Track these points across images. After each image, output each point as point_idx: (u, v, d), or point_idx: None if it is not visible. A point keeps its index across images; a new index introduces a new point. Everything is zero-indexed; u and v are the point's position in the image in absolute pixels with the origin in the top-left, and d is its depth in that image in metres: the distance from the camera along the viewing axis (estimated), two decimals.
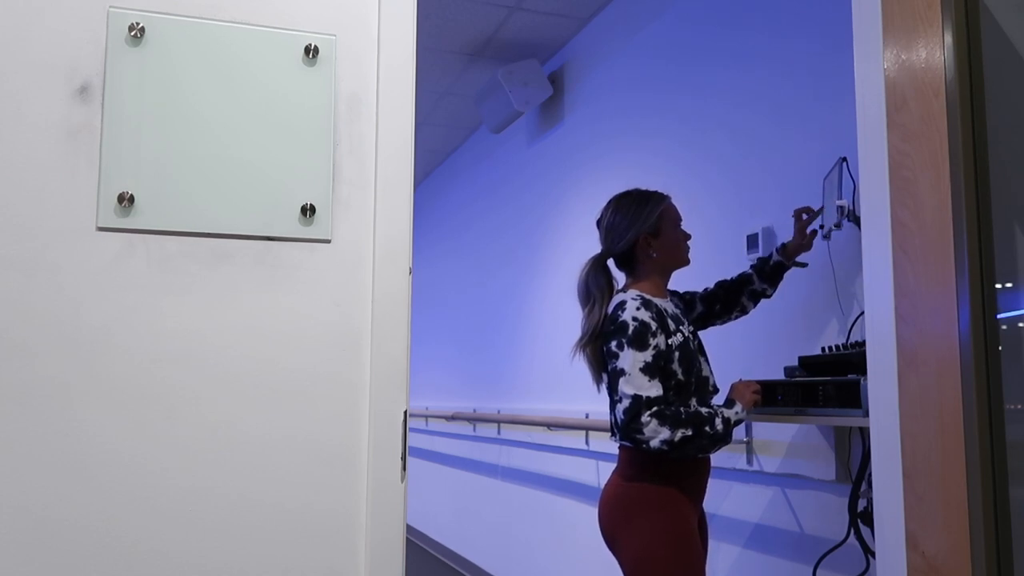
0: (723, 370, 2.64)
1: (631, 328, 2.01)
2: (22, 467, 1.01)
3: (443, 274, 6.16)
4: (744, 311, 2.41)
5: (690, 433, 1.96)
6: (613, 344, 2.04)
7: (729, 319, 2.41)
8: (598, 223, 2.26)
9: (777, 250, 2.34)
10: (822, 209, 2.30)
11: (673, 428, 1.96)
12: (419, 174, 6.56)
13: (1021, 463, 1.34)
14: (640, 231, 2.16)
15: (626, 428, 1.98)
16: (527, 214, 4.61)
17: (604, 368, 2.10)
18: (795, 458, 2.49)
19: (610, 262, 2.23)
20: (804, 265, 2.36)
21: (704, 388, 2.14)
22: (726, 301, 2.37)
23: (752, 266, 2.38)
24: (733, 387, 2.15)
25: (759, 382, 2.19)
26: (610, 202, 2.24)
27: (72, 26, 1.08)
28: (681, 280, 2.35)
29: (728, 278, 2.41)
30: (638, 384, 1.98)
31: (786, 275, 2.38)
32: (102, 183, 1.06)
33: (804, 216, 2.32)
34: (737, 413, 2.05)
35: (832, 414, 1.99)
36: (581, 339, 2.14)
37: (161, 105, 1.10)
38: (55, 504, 1.01)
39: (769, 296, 2.39)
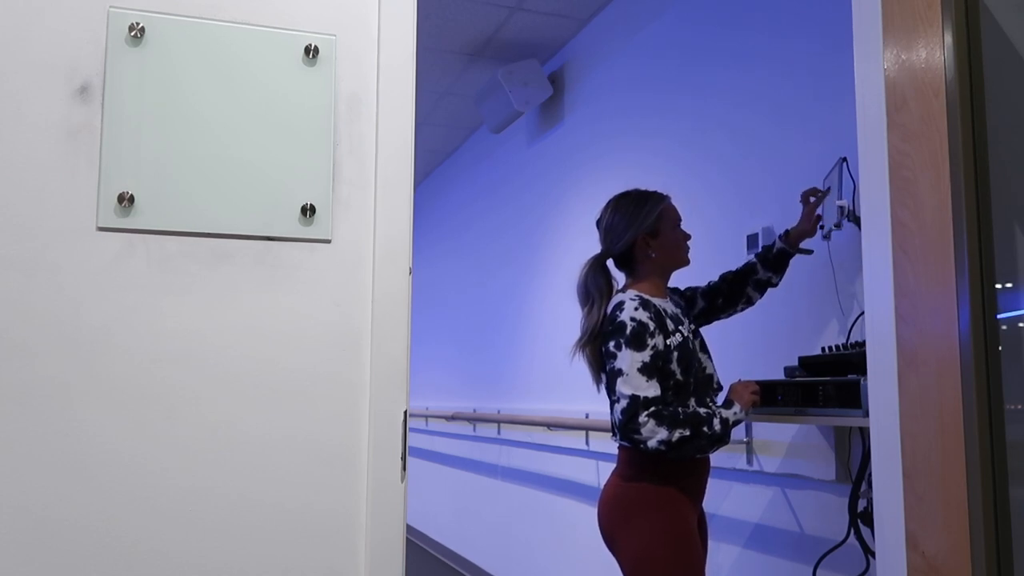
0: (723, 370, 2.64)
1: (629, 328, 2.01)
2: (22, 467, 1.01)
3: (443, 274, 6.16)
4: (750, 302, 2.37)
5: (688, 433, 1.96)
6: (611, 344, 2.04)
7: (735, 311, 2.39)
8: (597, 223, 2.26)
9: (780, 237, 2.32)
10: (829, 190, 2.29)
11: (671, 428, 1.96)
12: (419, 174, 6.56)
13: (1021, 463, 1.34)
14: (638, 231, 2.16)
15: (624, 428, 1.98)
16: (527, 214, 4.61)
17: (603, 368, 2.10)
18: (795, 458, 2.49)
19: (610, 262, 2.23)
20: (809, 252, 2.34)
21: (708, 386, 2.14)
22: (730, 294, 2.34)
23: (756, 255, 2.36)
24: (732, 388, 2.15)
25: (758, 382, 2.19)
26: (609, 202, 2.24)
27: (72, 26, 1.08)
28: (681, 281, 2.35)
29: (732, 270, 2.39)
30: (635, 384, 1.98)
31: (786, 275, 2.38)
32: (102, 183, 1.06)
33: (812, 199, 2.30)
34: (736, 414, 2.05)
35: (832, 414, 1.99)
36: (580, 339, 2.14)
37: (161, 105, 1.10)
38: (55, 504, 1.01)
39: (775, 285, 2.36)
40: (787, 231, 2.31)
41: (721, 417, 2.02)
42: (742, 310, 2.40)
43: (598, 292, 2.15)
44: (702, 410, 2.03)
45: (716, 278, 2.38)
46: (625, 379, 1.99)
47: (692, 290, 2.37)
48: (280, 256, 1.13)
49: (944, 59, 1.41)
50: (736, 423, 2.05)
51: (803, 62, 2.56)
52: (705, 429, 1.99)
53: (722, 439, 2.02)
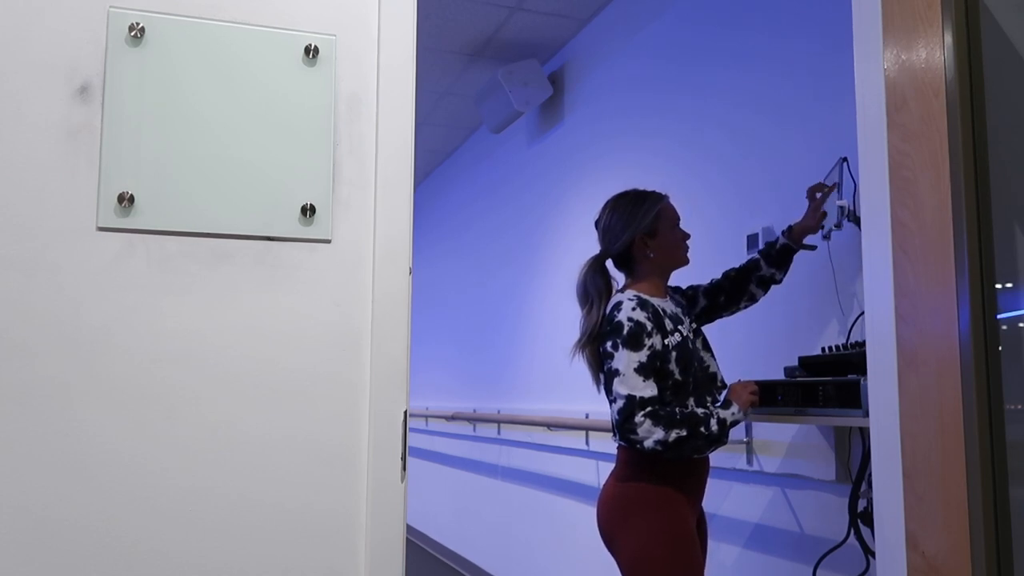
0: (724, 369, 2.63)
1: (626, 328, 2.01)
2: (22, 467, 1.01)
3: (443, 274, 6.16)
4: (753, 299, 2.36)
5: (684, 434, 1.96)
6: (608, 344, 2.04)
7: (738, 309, 2.38)
8: (596, 224, 2.26)
9: (784, 233, 2.31)
10: (835, 185, 2.28)
11: (667, 429, 1.96)
12: (419, 174, 6.56)
13: (1021, 463, 1.34)
14: (636, 232, 2.16)
15: (620, 428, 1.98)
16: (527, 214, 4.61)
17: (602, 369, 2.10)
18: (795, 458, 2.49)
19: (610, 263, 2.23)
20: (812, 248, 2.33)
21: (710, 384, 2.14)
22: (732, 291, 2.34)
23: (759, 251, 2.35)
24: (731, 388, 2.15)
25: (757, 382, 2.18)
26: (607, 203, 2.24)
27: (72, 26, 1.08)
28: (681, 280, 2.35)
29: (734, 267, 2.38)
30: (632, 384, 1.98)
31: (786, 276, 2.37)
32: (102, 183, 1.07)
33: (818, 195, 2.28)
34: (734, 414, 2.05)
35: (832, 414, 1.99)
36: (580, 340, 2.14)
37: (161, 105, 1.10)
38: (55, 504, 1.01)
39: (779, 281, 2.35)
40: (790, 227, 2.31)
41: (719, 418, 2.02)
42: (745, 307, 2.39)
43: (597, 293, 2.15)
44: (699, 410, 2.03)
45: (719, 275, 2.38)
46: (622, 379, 1.99)
47: (694, 288, 2.37)
48: (280, 256, 1.13)
49: (944, 59, 1.41)
50: (734, 423, 2.05)
51: (803, 62, 2.56)
52: (702, 429, 1.99)
53: (719, 440, 2.02)
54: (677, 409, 2.01)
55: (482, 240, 5.35)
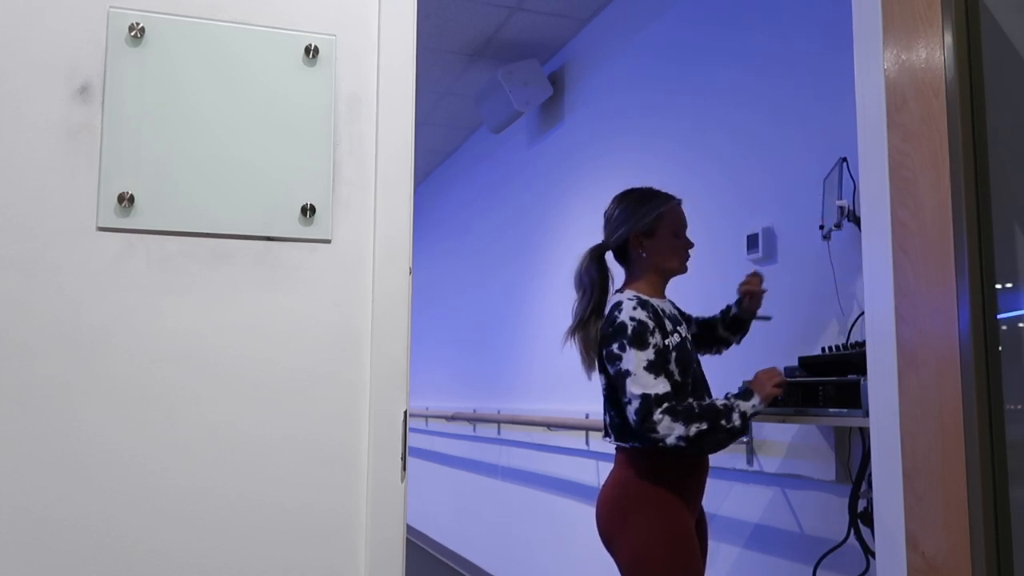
0: (723, 370, 2.64)
1: (630, 328, 2.01)
2: (22, 467, 1.01)
3: (443, 274, 6.16)
4: (718, 352, 2.45)
5: (705, 427, 1.94)
6: (615, 347, 2.02)
7: (708, 351, 2.45)
8: (604, 214, 2.26)
9: (737, 303, 2.36)
10: (760, 281, 2.35)
11: (687, 423, 1.93)
12: (419, 174, 6.56)
13: (1021, 463, 1.34)
14: (634, 228, 2.15)
15: (639, 428, 1.95)
16: (527, 214, 4.61)
17: (601, 362, 2.10)
18: (795, 458, 2.49)
19: (611, 256, 2.24)
20: (767, 318, 2.39)
21: (702, 389, 2.14)
22: (705, 333, 2.42)
23: (721, 311, 2.41)
24: (756, 376, 2.09)
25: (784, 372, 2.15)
26: (617, 195, 2.24)
27: (72, 26, 1.08)
28: (680, 279, 2.35)
29: (704, 317, 2.44)
30: (644, 383, 1.96)
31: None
32: (102, 183, 1.07)
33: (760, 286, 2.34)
34: (755, 406, 2.00)
35: (832, 414, 1.99)
36: (571, 326, 2.16)
37: (161, 105, 1.10)
38: (55, 504, 1.01)
39: (738, 343, 2.43)
40: (739, 301, 2.35)
41: (740, 410, 1.98)
42: (712, 353, 2.46)
43: (591, 282, 2.16)
44: (719, 402, 1.99)
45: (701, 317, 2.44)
46: (634, 379, 1.97)
47: (687, 314, 2.40)
48: (280, 256, 1.13)
49: (944, 59, 1.41)
50: (755, 415, 2.01)
51: (803, 62, 2.55)
52: (723, 422, 1.95)
53: (741, 432, 1.98)
54: (695, 403, 1.98)
55: (482, 240, 5.35)
